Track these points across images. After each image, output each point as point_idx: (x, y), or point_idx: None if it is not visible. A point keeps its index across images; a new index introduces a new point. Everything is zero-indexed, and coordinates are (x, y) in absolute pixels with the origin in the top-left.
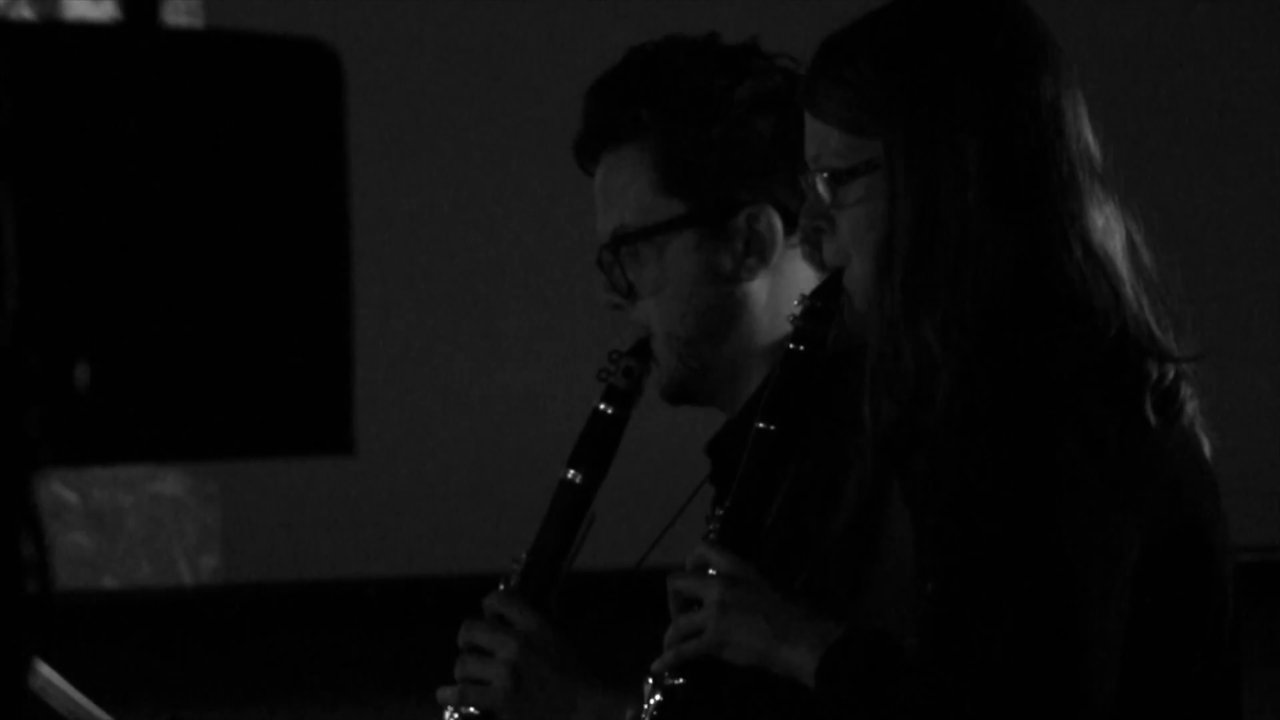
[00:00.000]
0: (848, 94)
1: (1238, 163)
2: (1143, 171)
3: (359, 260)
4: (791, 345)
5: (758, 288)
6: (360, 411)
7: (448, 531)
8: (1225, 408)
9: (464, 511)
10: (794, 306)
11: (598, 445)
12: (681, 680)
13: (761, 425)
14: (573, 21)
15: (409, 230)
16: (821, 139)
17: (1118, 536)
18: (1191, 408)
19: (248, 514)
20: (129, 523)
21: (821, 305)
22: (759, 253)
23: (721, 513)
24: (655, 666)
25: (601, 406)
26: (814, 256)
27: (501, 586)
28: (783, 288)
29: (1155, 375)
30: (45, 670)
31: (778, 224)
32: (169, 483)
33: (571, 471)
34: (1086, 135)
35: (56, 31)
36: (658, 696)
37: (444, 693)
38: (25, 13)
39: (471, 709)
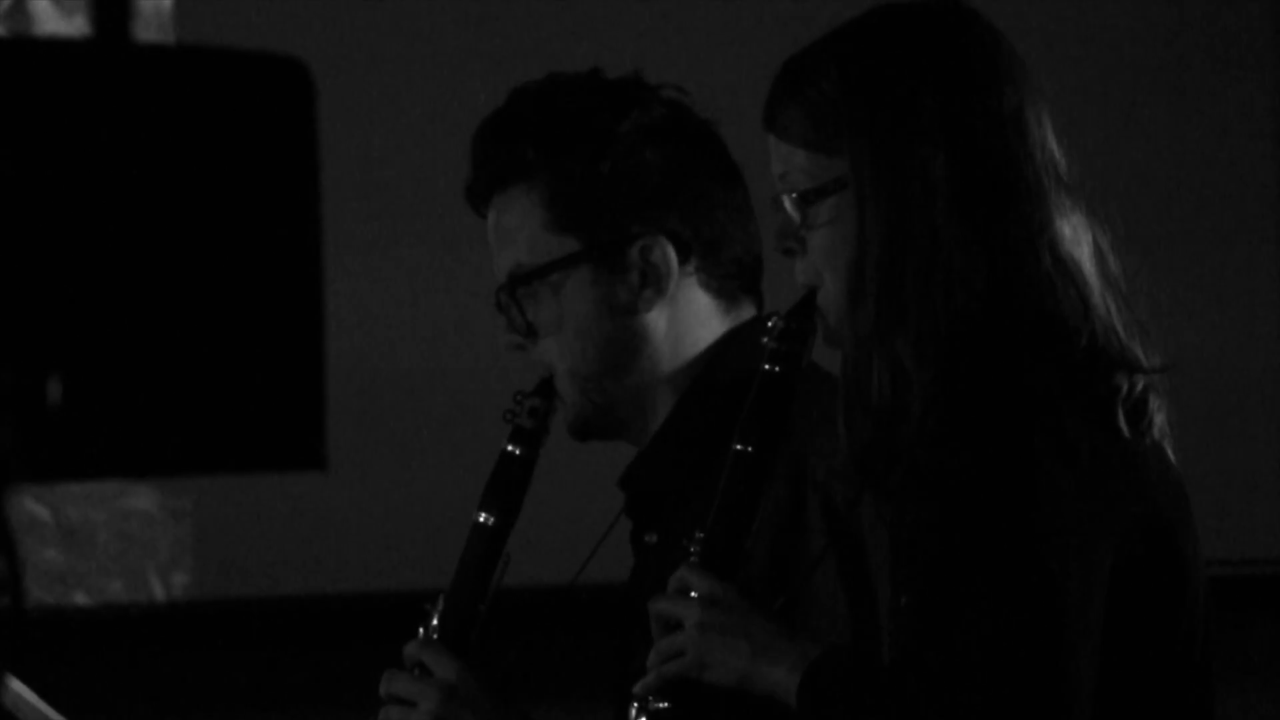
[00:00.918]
0: (811, 113)
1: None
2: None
3: (330, 275)
4: (766, 366)
5: (656, 318)
6: (332, 427)
7: (419, 547)
8: (1194, 422)
9: (435, 527)
10: (768, 327)
11: (508, 487)
12: (665, 704)
13: (739, 447)
14: (542, 47)
15: (382, 245)
16: (787, 159)
17: (1093, 547)
18: (1160, 419)
19: (220, 530)
20: (101, 538)
21: (796, 326)
22: (655, 284)
23: (701, 535)
24: (638, 689)
25: (509, 448)
26: (710, 285)
27: (421, 632)
28: (681, 317)
29: (1126, 387)
30: (17, 686)
31: (671, 254)
32: (141, 498)
33: (483, 515)
34: (1051, 144)
35: (28, 47)
36: (642, 719)
37: None
38: None
39: None
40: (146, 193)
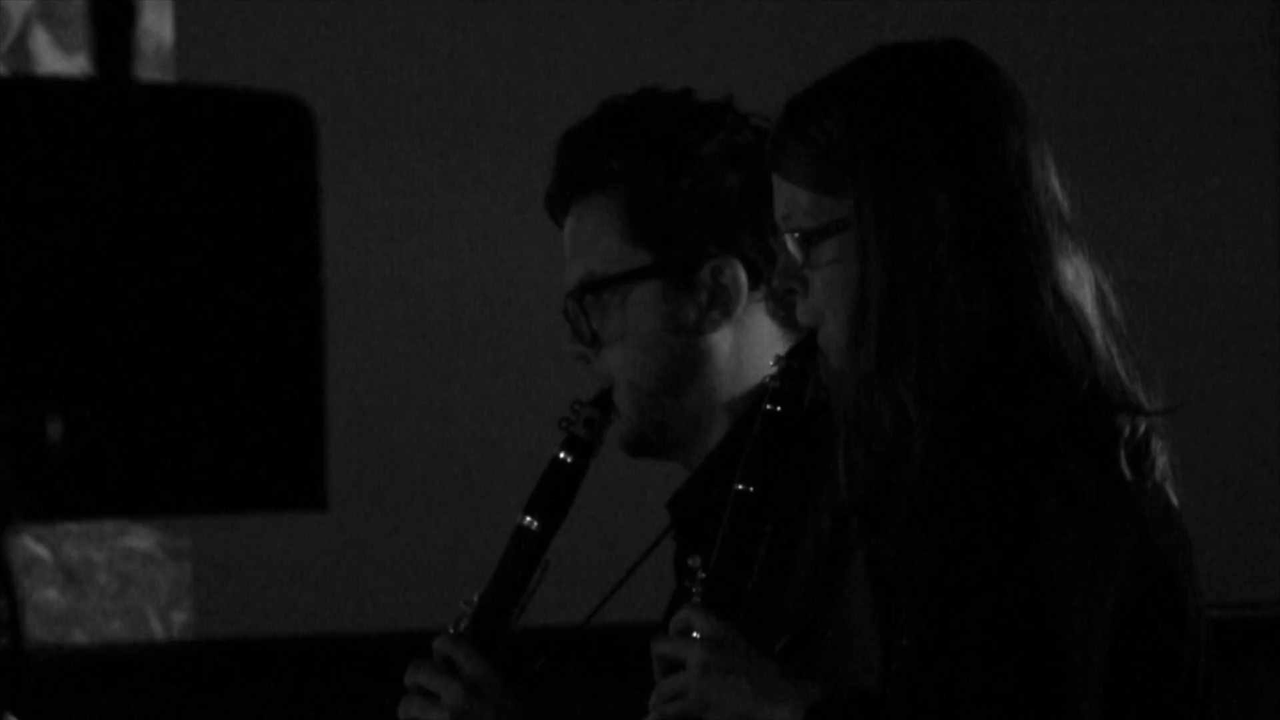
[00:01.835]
0: (815, 153)
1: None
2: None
3: (331, 315)
4: (768, 406)
5: (720, 340)
6: (332, 467)
7: (419, 587)
8: (1196, 465)
9: (435, 567)
10: (769, 367)
11: (555, 493)
12: None
13: (740, 487)
14: (544, 78)
15: (382, 286)
16: (791, 199)
17: (1095, 589)
18: (1163, 461)
19: (219, 569)
20: (100, 578)
21: (797, 365)
22: (723, 305)
23: (704, 575)
24: None
25: (561, 455)
26: (777, 314)
27: (451, 630)
28: (745, 342)
29: (1128, 430)
30: None
31: (742, 277)
32: (140, 538)
33: (528, 518)
34: (1054, 186)
35: (29, 86)
36: None
37: None
38: None
39: None
40: (147, 232)
